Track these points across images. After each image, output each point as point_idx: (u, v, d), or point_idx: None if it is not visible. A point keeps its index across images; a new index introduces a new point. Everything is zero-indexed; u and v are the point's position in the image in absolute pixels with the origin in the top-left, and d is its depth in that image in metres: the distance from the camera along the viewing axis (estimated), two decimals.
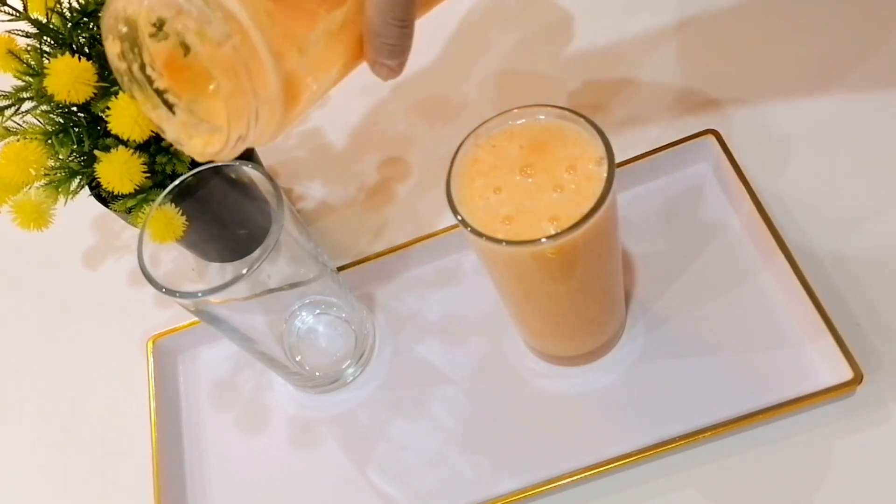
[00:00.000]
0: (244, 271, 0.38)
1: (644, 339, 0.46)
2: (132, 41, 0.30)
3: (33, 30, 0.45)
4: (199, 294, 0.38)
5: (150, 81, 0.31)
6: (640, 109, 0.56)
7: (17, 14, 0.44)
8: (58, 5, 0.44)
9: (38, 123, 0.46)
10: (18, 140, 0.44)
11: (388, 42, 0.33)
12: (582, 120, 0.36)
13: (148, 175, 0.44)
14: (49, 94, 0.42)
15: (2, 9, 0.44)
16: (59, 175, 0.46)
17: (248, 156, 0.53)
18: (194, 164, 0.48)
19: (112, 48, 0.31)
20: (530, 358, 0.47)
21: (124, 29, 0.30)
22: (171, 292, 0.39)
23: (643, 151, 0.50)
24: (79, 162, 0.47)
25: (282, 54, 0.29)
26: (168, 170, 0.47)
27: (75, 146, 0.46)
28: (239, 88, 0.29)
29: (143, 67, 0.31)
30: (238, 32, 0.28)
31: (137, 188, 0.44)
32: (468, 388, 0.48)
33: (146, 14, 0.29)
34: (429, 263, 0.53)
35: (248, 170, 0.42)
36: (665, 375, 0.45)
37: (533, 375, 0.47)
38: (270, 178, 0.41)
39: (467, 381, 0.48)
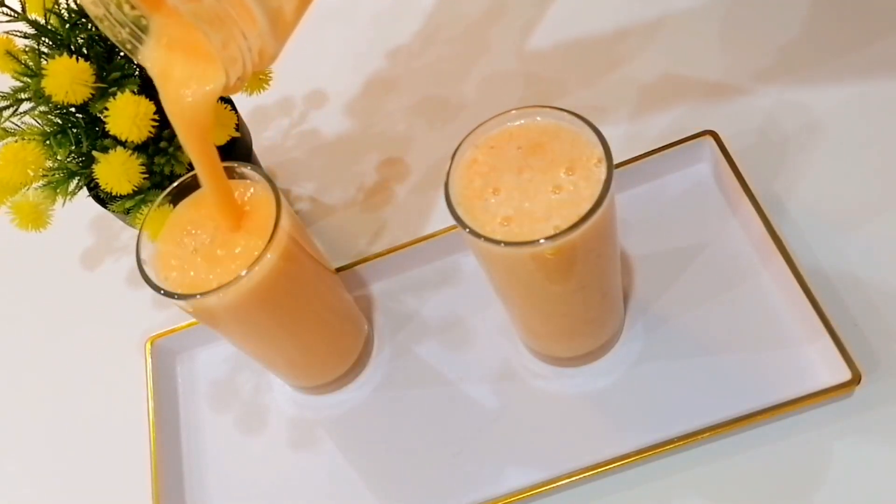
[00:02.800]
0: (243, 272, 0.38)
1: (643, 340, 0.46)
2: None
3: (31, 31, 0.45)
4: (198, 295, 0.38)
5: (140, 26, 0.31)
6: (638, 110, 0.56)
7: (16, 15, 0.44)
8: (56, 6, 0.44)
9: (37, 124, 0.46)
10: (17, 141, 0.44)
11: None
12: (580, 121, 0.36)
13: (146, 176, 0.44)
14: (47, 94, 0.42)
15: (0, 9, 0.44)
16: (57, 176, 0.46)
17: (247, 156, 0.53)
18: (193, 165, 0.48)
19: None
20: (529, 359, 0.47)
21: None
22: (169, 294, 0.39)
23: (641, 152, 0.50)
24: (77, 163, 0.47)
25: None
26: (166, 171, 0.47)
27: (73, 147, 0.46)
28: (228, 36, 0.28)
29: (119, 4, 0.31)
30: None
31: (136, 189, 0.44)
32: (467, 389, 0.48)
33: None
34: (428, 264, 0.53)
35: (247, 171, 0.42)
36: (663, 376, 0.45)
37: (532, 376, 0.47)
38: (269, 180, 0.41)
39: (466, 382, 0.48)
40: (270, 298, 0.41)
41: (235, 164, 0.42)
